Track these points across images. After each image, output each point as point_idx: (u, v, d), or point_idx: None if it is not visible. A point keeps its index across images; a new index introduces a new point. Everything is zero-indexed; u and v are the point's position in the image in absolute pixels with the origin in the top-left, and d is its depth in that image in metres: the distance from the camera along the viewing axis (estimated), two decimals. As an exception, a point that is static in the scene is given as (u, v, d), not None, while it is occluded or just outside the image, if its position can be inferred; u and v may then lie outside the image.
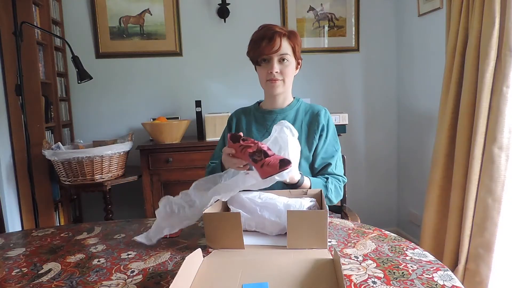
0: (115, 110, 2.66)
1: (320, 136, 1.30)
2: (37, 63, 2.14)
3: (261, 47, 1.24)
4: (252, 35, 1.30)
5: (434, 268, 0.82)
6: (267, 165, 0.95)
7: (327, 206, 1.25)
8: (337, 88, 2.85)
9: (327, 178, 1.27)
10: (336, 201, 1.27)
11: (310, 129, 1.31)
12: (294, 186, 1.15)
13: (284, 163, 0.95)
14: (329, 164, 1.30)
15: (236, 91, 2.74)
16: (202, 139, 2.41)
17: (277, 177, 0.96)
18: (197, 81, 2.71)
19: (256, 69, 1.34)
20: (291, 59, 1.27)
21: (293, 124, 1.32)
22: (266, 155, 0.96)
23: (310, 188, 1.18)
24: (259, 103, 1.43)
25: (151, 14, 2.60)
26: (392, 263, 0.85)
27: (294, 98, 1.39)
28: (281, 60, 1.26)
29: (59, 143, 2.17)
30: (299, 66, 1.35)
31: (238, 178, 1.01)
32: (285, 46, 1.25)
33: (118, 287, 0.80)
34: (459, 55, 1.90)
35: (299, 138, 1.14)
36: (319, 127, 1.31)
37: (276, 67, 1.25)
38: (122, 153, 2.21)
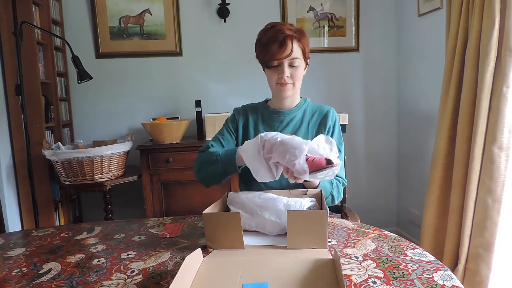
0: (115, 110, 2.66)
1: None
2: (37, 63, 2.14)
3: (272, 51, 1.21)
4: (260, 35, 1.26)
5: (434, 268, 0.82)
6: (318, 161, 0.97)
7: (327, 206, 1.25)
8: (337, 88, 2.85)
9: None
10: (337, 201, 1.27)
11: (318, 130, 1.31)
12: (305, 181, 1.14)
13: (329, 162, 0.96)
14: None
15: (236, 91, 2.74)
16: (202, 139, 2.41)
17: (319, 175, 0.97)
18: (197, 81, 2.71)
19: (264, 70, 1.32)
20: (301, 62, 1.25)
21: (300, 124, 1.31)
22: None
23: (317, 186, 1.17)
24: (266, 101, 1.41)
25: (151, 14, 2.60)
26: (392, 263, 0.85)
27: (301, 98, 1.38)
28: (292, 63, 1.23)
29: (59, 143, 2.17)
30: (307, 66, 1.32)
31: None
32: (296, 50, 1.22)
33: (118, 287, 0.80)
34: (459, 55, 1.90)
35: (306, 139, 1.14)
36: (326, 128, 1.30)
37: (287, 71, 1.23)
38: (122, 153, 2.21)
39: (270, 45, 1.21)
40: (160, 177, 2.27)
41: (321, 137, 1.00)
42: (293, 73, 1.25)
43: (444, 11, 2.09)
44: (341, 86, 2.85)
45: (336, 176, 1.29)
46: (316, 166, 0.95)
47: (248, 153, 1.04)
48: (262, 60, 1.26)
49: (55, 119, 2.37)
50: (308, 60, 1.31)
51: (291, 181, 1.00)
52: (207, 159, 1.26)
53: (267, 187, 1.26)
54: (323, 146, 0.98)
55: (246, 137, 1.36)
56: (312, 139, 1.04)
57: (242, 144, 1.35)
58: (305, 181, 1.13)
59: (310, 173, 0.95)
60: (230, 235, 0.94)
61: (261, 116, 1.37)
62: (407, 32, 2.69)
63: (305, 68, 1.31)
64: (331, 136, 1.31)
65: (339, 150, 1.31)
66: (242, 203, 1.07)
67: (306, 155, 0.95)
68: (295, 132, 1.30)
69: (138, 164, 2.37)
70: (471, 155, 1.80)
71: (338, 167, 0.97)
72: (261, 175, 1.01)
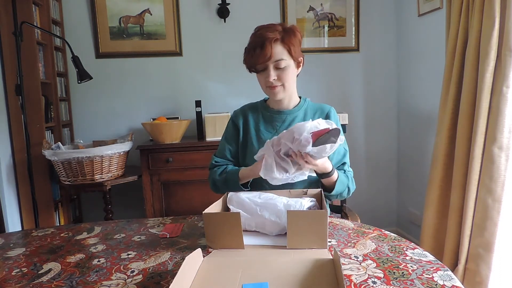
0: (115, 110, 2.66)
1: None
2: (37, 63, 2.14)
3: (254, 56, 1.22)
4: (249, 39, 1.28)
5: (434, 268, 0.82)
6: (321, 130, 1.02)
7: (327, 206, 1.26)
8: (337, 88, 2.84)
9: (344, 171, 1.30)
10: (351, 193, 1.30)
11: None
12: (325, 176, 1.16)
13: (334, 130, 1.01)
14: (344, 163, 1.31)
15: (236, 91, 2.73)
16: (202, 139, 2.41)
17: (324, 146, 1.00)
18: (197, 81, 2.71)
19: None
20: (288, 62, 1.23)
21: None
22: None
23: (336, 180, 1.19)
24: (265, 100, 1.40)
25: (151, 14, 2.60)
26: (392, 263, 0.85)
27: (300, 97, 1.37)
28: (277, 65, 1.22)
29: (59, 143, 2.17)
30: (301, 65, 1.31)
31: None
32: (279, 51, 1.21)
33: (118, 287, 0.80)
34: (459, 55, 1.90)
35: None
36: None
37: (273, 74, 1.22)
38: (122, 153, 2.21)
39: (252, 51, 1.23)
40: (160, 177, 2.27)
41: (320, 120, 1.05)
42: (281, 75, 1.23)
43: (444, 11, 2.09)
44: (341, 86, 2.85)
45: (348, 171, 1.32)
46: (319, 133, 1.00)
47: (262, 154, 1.09)
48: (248, 66, 1.28)
49: (55, 119, 2.37)
50: (301, 59, 1.29)
51: (303, 165, 1.04)
52: (216, 180, 1.31)
53: (268, 186, 1.26)
54: (323, 125, 1.02)
55: (246, 137, 1.35)
56: None
57: (243, 144, 1.35)
58: (323, 176, 1.16)
59: (315, 141, 1.00)
60: (230, 235, 0.94)
61: (262, 115, 1.37)
62: (407, 32, 2.69)
63: (298, 67, 1.30)
64: None
65: (344, 149, 1.33)
66: (242, 203, 1.07)
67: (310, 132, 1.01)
68: None
69: (138, 164, 2.37)
70: (471, 155, 1.80)
71: (342, 137, 1.00)
72: (276, 173, 1.05)
